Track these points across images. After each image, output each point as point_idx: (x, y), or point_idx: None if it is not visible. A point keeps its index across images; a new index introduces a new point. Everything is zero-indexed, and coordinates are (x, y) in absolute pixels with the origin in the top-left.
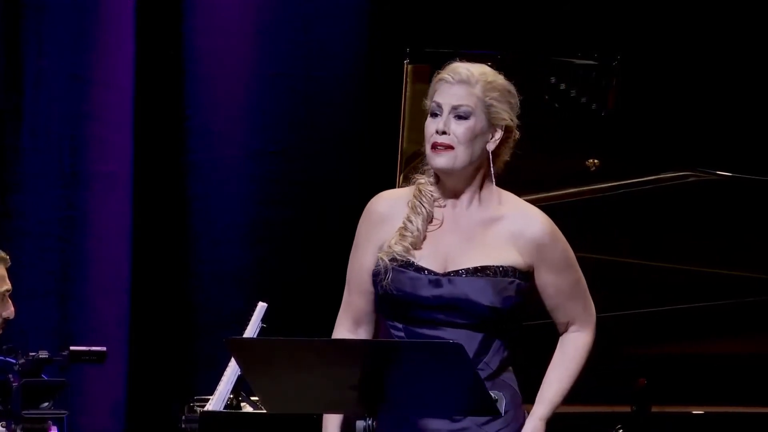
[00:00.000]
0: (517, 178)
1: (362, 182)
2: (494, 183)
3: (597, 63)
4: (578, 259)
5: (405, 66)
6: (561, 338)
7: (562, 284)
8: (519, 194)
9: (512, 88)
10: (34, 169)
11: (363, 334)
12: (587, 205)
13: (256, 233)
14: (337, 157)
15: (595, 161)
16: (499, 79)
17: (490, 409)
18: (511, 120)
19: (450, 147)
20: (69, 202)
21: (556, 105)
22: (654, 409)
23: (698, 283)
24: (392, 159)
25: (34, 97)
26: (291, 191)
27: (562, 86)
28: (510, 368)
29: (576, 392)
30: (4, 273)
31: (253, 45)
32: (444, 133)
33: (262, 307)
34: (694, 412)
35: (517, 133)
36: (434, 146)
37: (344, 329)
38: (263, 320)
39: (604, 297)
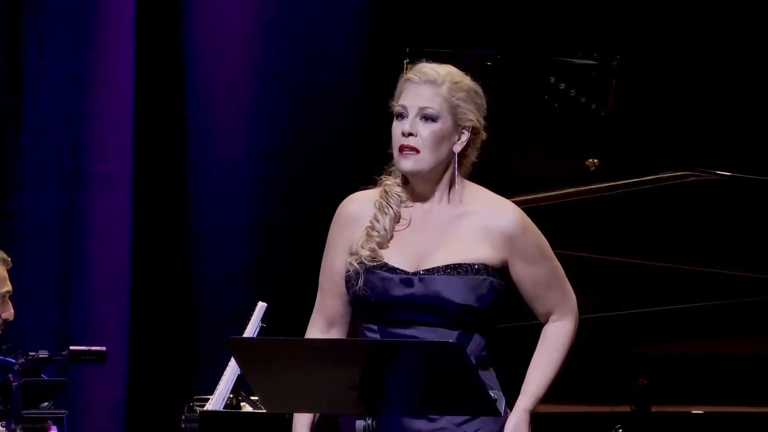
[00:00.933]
0: (516, 177)
1: (362, 182)
2: (464, 181)
3: (597, 63)
4: (578, 259)
5: (405, 66)
6: (543, 329)
7: (538, 275)
8: (518, 194)
9: (479, 89)
10: (34, 169)
11: (335, 334)
12: (587, 205)
13: (256, 233)
14: (337, 157)
15: (595, 161)
16: (466, 79)
17: (489, 409)
18: (478, 121)
19: (416, 150)
20: (69, 202)
21: (556, 105)
22: (654, 409)
23: (698, 283)
24: (392, 159)
25: (34, 97)
26: (291, 191)
27: (562, 86)
28: (490, 368)
29: (576, 392)
30: (5, 274)
31: (253, 45)
32: (411, 134)
33: (262, 307)
34: (693, 411)
35: (484, 134)
36: (401, 149)
37: (317, 330)
38: (263, 320)
39: (605, 297)
